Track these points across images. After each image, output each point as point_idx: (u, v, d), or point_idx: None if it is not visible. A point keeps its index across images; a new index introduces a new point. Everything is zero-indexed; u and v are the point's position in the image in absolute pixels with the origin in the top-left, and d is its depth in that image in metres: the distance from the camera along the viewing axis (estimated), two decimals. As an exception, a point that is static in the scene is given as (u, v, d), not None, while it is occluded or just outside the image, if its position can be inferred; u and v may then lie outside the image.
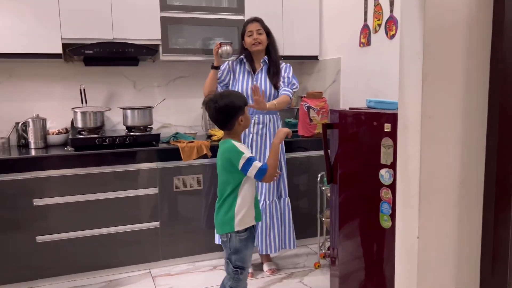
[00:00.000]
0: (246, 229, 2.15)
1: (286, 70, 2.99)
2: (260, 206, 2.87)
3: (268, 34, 2.93)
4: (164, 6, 3.23)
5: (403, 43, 1.63)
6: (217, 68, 2.89)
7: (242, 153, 2.07)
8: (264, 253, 3.02)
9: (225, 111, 2.11)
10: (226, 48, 2.77)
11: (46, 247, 2.87)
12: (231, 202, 2.13)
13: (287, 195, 3.06)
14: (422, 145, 1.58)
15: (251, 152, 2.79)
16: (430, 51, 1.54)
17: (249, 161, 2.07)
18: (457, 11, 1.55)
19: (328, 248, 3.11)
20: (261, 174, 2.08)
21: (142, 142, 3.13)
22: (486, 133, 1.66)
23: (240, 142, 2.19)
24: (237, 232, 2.13)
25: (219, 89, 2.94)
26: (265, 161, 2.17)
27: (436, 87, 1.57)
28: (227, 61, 3.00)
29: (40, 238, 2.85)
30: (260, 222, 2.87)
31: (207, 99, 2.20)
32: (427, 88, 1.56)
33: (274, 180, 2.42)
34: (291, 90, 2.96)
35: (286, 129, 2.25)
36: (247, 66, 2.92)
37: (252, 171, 2.07)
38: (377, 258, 2.25)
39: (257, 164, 2.08)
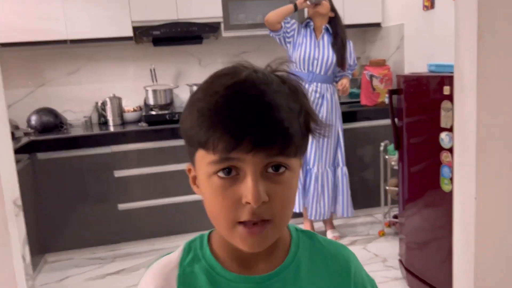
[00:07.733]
0: None
1: (351, 49, 3.03)
2: (313, 174, 2.97)
3: (333, 9, 2.93)
4: (224, -17, 3.32)
5: (458, 2, 1.59)
6: (296, 8, 2.87)
7: None
8: (313, 218, 3.06)
9: None
10: None
11: (127, 214, 3.16)
12: None
13: (345, 164, 3.07)
14: (478, 107, 1.56)
15: None
16: (485, 9, 1.50)
17: None
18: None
19: (394, 217, 3.11)
20: None
21: (208, 116, 3.30)
22: (551, 91, 1.59)
23: None
24: None
25: (280, 35, 2.94)
26: None
27: (492, 46, 1.52)
28: (296, 22, 2.99)
29: (121, 206, 3.15)
30: (312, 190, 2.96)
31: None
32: (483, 47, 1.52)
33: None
34: (351, 72, 3.15)
35: None
36: (311, 32, 2.94)
37: None
38: (440, 222, 2.24)
39: None
